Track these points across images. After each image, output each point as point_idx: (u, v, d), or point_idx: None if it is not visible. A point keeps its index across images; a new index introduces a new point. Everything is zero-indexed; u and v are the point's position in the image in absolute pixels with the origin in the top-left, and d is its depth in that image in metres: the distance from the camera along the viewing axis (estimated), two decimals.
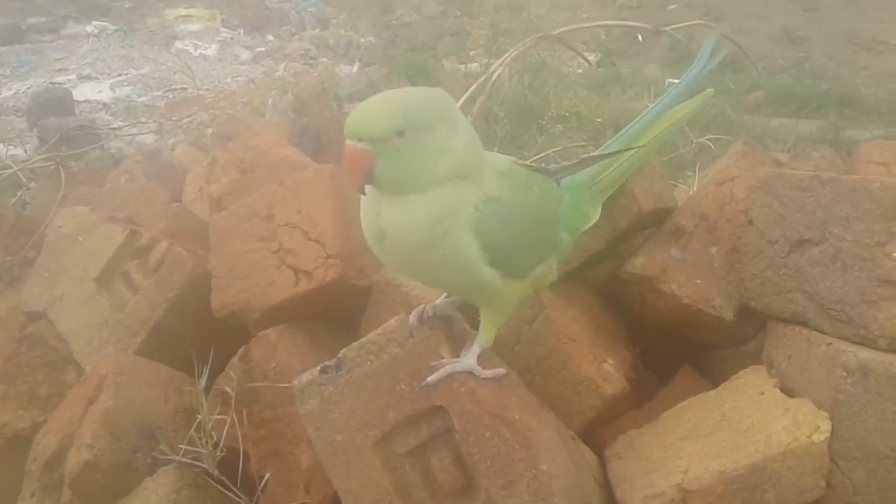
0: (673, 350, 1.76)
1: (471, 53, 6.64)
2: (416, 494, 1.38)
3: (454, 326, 1.43)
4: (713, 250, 1.67)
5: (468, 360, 1.35)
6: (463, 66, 5.90)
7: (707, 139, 3.78)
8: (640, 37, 6.96)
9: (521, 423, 1.32)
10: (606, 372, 1.56)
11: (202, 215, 2.37)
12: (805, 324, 1.43)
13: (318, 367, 1.42)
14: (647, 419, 1.61)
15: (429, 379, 1.33)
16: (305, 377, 1.43)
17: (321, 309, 1.77)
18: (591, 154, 1.52)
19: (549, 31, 2.75)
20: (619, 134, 1.62)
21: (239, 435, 1.62)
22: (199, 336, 1.81)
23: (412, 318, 1.37)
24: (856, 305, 1.34)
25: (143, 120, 5.89)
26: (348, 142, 1.12)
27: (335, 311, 1.80)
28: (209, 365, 1.71)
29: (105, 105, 6.46)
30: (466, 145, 1.19)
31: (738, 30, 6.91)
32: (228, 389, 1.64)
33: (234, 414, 1.61)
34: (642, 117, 1.62)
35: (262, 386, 1.66)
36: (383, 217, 1.20)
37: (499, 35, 7.28)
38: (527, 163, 1.42)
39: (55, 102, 5.56)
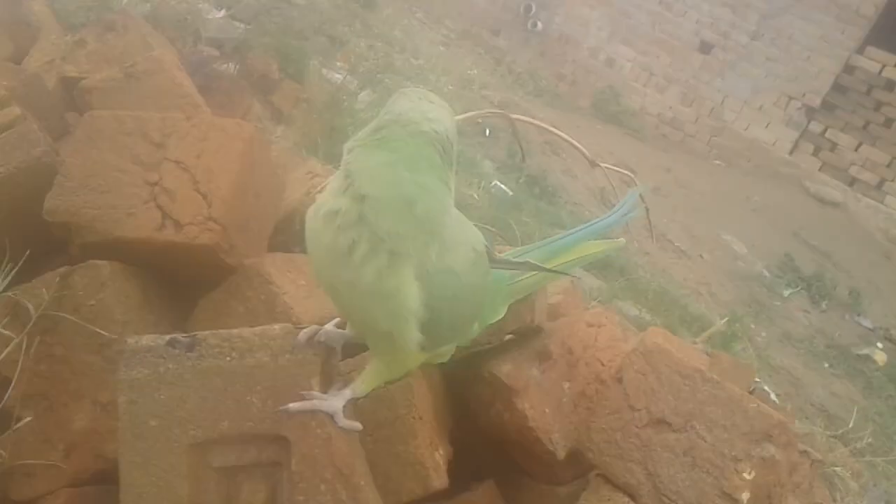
0: (489, 460, 1.74)
1: (337, 64, 6.49)
2: None
3: (331, 361, 1.30)
4: (566, 386, 1.69)
5: (336, 402, 1.23)
6: (325, 71, 5.76)
7: None
8: (487, 131, 7.19)
9: (363, 492, 1.21)
10: (437, 463, 1.49)
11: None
12: (633, 497, 1.47)
13: (167, 337, 1.23)
14: None
15: (290, 405, 1.19)
16: (145, 340, 1.23)
17: (169, 265, 1.55)
18: (531, 261, 1.49)
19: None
20: (542, 243, 1.62)
21: (20, 361, 1.35)
22: (13, 230, 1.50)
23: (302, 335, 1.23)
24: None
25: None
26: None
27: (181, 274, 1.58)
28: (14, 268, 1.42)
29: None
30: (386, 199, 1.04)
31: None
32: (30, 306, 1.37)
33: (26, 336, 1.34)
34: (564, 237, 1.63)
35: (68, 318, 1.40)
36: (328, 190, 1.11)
37: (367, 60, 7.18)
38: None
39: None
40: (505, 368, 1.62)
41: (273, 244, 1.72)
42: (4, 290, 1.41)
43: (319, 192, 1.85)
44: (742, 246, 7.81)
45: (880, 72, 8.09)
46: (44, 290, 1.39)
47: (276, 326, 1.24)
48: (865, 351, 6.51)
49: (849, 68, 8.27)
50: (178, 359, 1.22)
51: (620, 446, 1.53)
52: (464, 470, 1.76)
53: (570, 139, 2.04)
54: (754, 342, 5.88)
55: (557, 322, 1.83)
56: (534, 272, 1.51)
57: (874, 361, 6.37)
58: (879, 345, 6.70)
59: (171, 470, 1.20)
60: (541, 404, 1.63)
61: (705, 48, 8.90)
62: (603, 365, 1.78)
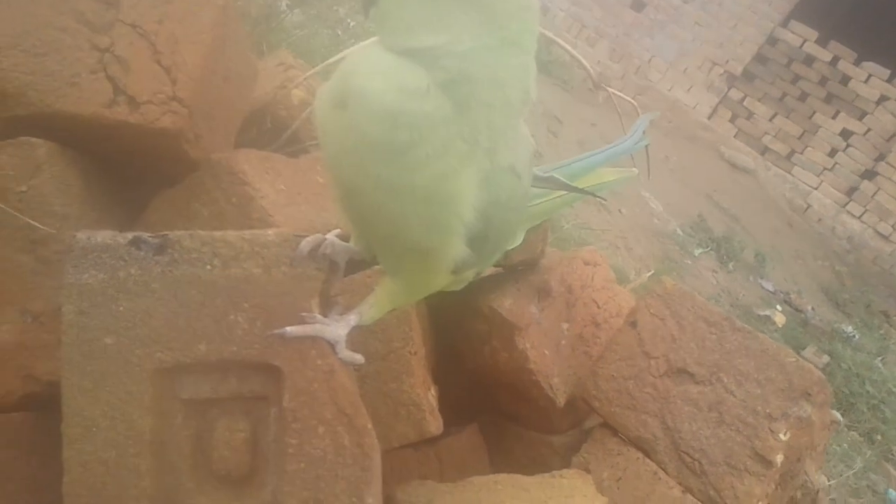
0: (471, 402, 1.55)
1: None
2: (173, 459, 0.98)
3: (332, 279, 1.07)
4: (565, 327, 1.52)
5: (339, 329, 1.00)
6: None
7: None
8: None
9: (367, 438, 0.99)
10: (432, 405, 1.29)
11: None
12: (647, 453, 1.32)
13: (130, 235, 0.97)
14: (420, 463, 1.38)
15: (287, 329, 0.96)
16: (101, 237, 0.97)
17: (117, 153, 1.27)
18: (558, 177, 1.29)
19: None
20: (555, 166, 1.42)
21: None
22: None
23: (304, 244, 0.99)
24: (717, 464, 1.25)
25: None
26: None
27: (130, 164, 1.30)
28: None
29: None
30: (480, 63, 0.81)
31: None
32: None
33: None
34: (578, 161, 1.44)
35: None
36: (357, 72, 0.83)
37: None
38: None
39: None
40: (506, 303, 1.43)
41: (240, 142, 1.46)
42: None
43: (296, 87, 1.59)
44: (658, 204, 7.85)
45: (801, 45, 8.20)
46: None
47: (270, 232, 1.00)
48: (766, 312, 6.70)
49: (772, 40, 8.35)
50: (143, 263, 0.96)
51: (633, 396, 1.36)
52: (445, 413, 1.58)
53: (579, 57, 1.83)
54: None
55: (552, 257, 1.64)
56: (556, 194, 1.31)
57: (773, 322, 6.57)
58: (779, 307, 6.91)
59: (130, 400, 0.95)
60: (541, 345, 1.44)
61: (638, 6, 8.81)
62: (599, 307, 1.61)
